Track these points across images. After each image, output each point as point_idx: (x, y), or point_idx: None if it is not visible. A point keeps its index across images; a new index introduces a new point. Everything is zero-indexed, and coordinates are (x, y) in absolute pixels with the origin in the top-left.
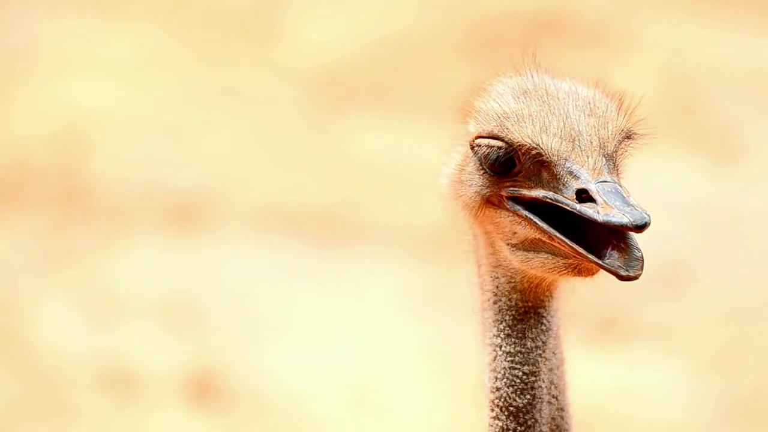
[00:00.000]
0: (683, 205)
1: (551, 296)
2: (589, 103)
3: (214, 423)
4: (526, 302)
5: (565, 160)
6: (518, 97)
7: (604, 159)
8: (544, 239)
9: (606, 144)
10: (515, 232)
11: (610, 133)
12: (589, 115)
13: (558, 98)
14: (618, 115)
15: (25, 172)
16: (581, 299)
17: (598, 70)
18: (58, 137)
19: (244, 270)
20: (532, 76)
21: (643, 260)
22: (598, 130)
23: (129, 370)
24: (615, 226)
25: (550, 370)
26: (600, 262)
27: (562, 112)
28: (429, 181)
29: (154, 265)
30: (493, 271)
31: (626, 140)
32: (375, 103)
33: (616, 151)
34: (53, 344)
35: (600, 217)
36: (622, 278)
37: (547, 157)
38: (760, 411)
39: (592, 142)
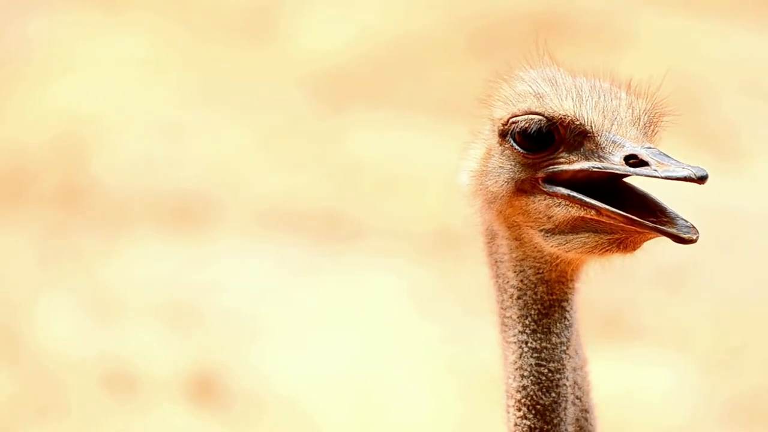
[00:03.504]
0: (683, 205)
1: (573, 289)
2: (612, 89)
3: (215, 423)
4: (551, 294)
5: (608, 131)
6: (547, 82)
7: (641, 133)
8: (588, 216)
9: (638, 120)
10: (551, 216)
11: (639, 111)
12: (617, 98)
13: (584, 85)
14: (640, 98)
15: (26, 173)
16: (581, 299)
17: (599, 69)
18: (58, 137)
19: (244, 270)
20: (551, 70)
21: (694, 226)
22: (628, 108)
23: (129, 369)
24: (678, 179)
25: (574, 369)
26: (657, 226)
27: (594, 93)
28: (431, 179)
29: (154, 265)
30: (518, 265)
31: (652, 121)
32: (377, 102)
33: (645, 130)
34: (53, 344)
35: (660, 173)
36: (682, 241)
37: (590, 128)
38: (762, 412)
39: (627, 117)
